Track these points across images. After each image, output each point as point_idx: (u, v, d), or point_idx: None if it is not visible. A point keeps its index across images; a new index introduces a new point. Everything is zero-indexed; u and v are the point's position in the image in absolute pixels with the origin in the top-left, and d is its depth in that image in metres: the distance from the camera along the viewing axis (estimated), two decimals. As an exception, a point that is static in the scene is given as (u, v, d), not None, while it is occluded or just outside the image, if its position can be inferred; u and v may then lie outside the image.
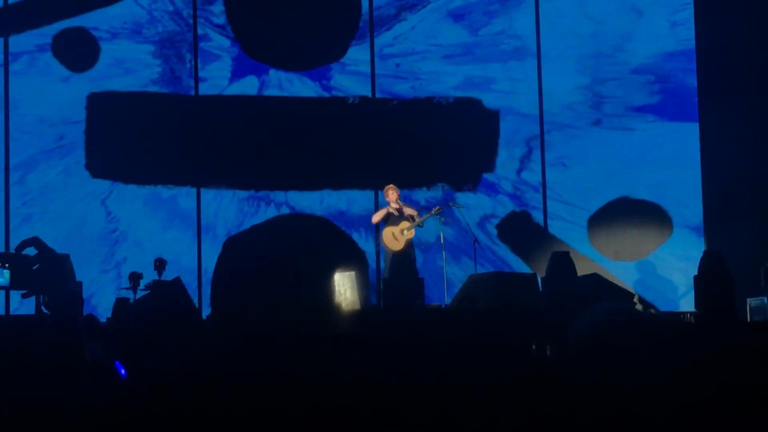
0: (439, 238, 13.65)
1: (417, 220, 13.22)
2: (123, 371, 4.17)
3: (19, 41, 13.96)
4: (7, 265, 2.84)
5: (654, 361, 2.80)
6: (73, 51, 14.10)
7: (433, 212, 13.27)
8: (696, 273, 11.64)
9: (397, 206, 13.24)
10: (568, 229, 15.12)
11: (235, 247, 2.27)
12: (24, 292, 2.84)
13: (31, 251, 2.99)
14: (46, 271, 2.59)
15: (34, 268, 2.68)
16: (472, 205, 14.65)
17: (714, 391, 2.94)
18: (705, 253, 12.67)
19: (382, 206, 13.72)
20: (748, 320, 11.61)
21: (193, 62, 14.45)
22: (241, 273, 2.23)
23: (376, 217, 13.50)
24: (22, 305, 12.13)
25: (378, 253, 14.03)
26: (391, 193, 13.26)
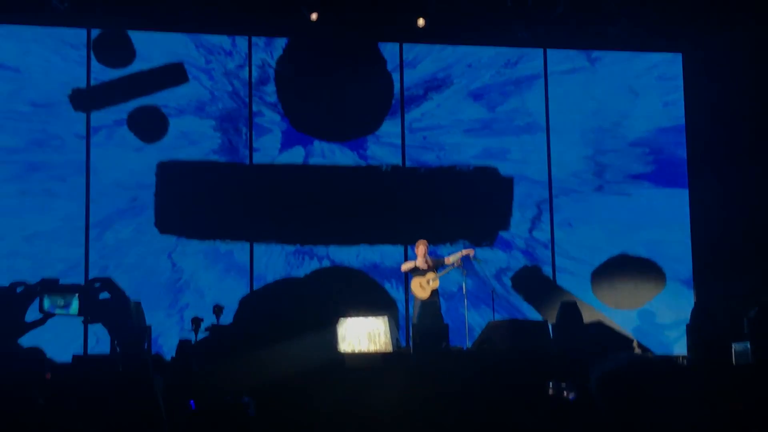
0: (461, 288, 13.52)
1: (442, 271, 13.08)
2: (193, 406, 4.10)
3: (99, 117, 14.06)
4: (77, 294, 2.68)
5: (666, 403, 2.72)
6: (146, 125, 14.19)
7: (455, 265, 13.15)
8: (688, 322, 11.49)
9: (425, 260, 13.07)
10: (574, 281, 14.98)
11: (250, 303, 2.21)
12: (88, 318, 2.66)
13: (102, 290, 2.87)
14: (111, 302, 2.48)
15: (101, 297, 2.55)
16: (490, 260, 14.54)
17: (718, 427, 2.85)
18: (696, 305, 12.52)
19: (411, 259, 13.61)
20: (734, 363, 11.41)
21: (248, 135, 14.51)
22: (251, 331, 2.17)
23: (405, 267, 13.35)
24: (99, 344, 12.12)
25: (407, 301, 13.92)
26: (422, 248, 13.11)
